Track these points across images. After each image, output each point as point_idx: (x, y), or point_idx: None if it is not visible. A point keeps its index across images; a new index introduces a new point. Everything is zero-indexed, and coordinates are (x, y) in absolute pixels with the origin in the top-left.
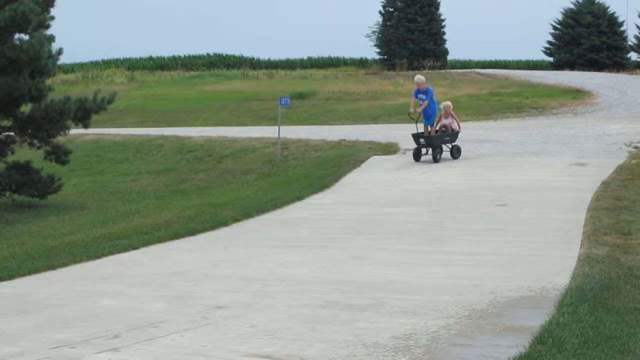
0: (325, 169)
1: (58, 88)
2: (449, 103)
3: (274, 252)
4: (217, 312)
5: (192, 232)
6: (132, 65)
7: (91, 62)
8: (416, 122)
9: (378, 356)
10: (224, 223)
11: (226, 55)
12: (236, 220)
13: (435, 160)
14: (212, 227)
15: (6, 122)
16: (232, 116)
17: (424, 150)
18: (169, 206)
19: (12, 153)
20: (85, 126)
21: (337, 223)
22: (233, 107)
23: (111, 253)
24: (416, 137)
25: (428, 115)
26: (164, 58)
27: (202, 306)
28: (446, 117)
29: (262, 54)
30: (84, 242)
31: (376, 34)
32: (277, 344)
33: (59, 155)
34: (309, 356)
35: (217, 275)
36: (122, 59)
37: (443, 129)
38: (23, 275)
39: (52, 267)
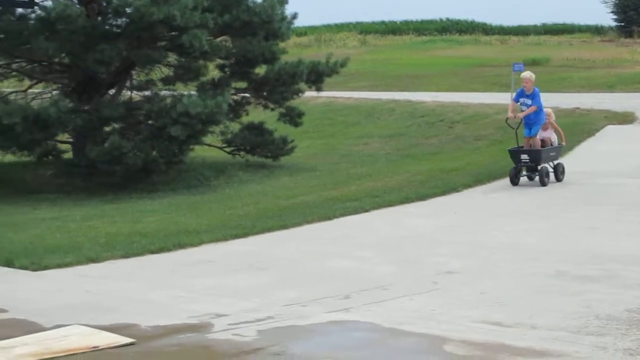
0: None
1: (291, 51)
2: (549, 110)
3: (504, 220)
4: (447, 277)
5: (422, 197)
6: (364, 29)
7: (324, 26)
8: (516, 132)
9: (611, 329)
10: (455, 189)
11: (458, 20)
12: (467, 186)
13: (543, 183)
14: (443, 193)
15: (241, 84)
16: (464, 82)
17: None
18: (399, 170)
19: (247, 114)
20: (318, 89)
21: (568, 192)
22: (464, 72)
23: (342, 215)
24: (516, 153)
25: (531, 124)
26: (396, 22)
27: (432, 271)
28: (545, 129)
29: (495, 20)
30: (316, 203)
31: (613, 0)
32: (506, 311)
33: (292, 117)
34: (540, 325)
35: (447, 241)
36: (354, 22)
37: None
38: (257, 233)
39: (284, 227)
